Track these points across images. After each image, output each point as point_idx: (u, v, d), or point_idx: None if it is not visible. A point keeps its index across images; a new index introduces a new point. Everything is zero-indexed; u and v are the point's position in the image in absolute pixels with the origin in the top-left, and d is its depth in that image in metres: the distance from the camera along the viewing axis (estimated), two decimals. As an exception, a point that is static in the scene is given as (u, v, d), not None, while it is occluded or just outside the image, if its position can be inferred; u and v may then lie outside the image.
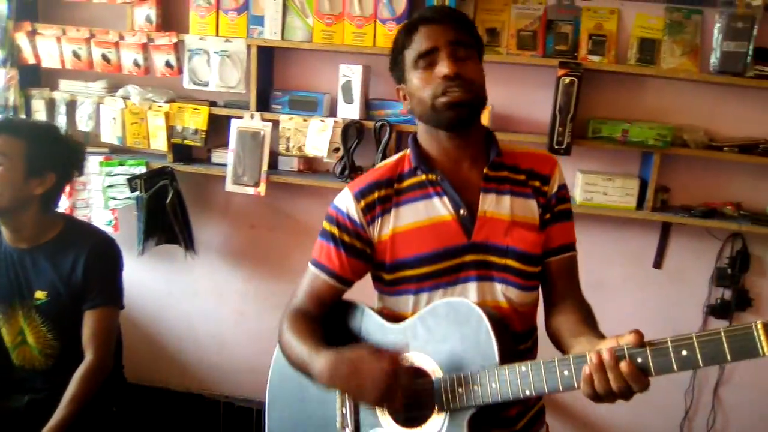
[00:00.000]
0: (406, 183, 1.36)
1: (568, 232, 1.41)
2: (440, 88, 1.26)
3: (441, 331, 1.28)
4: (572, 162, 2.39)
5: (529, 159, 1.39)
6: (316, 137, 2.42)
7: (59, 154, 1.85)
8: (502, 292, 1.32)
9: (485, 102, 1.32)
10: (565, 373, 1.11)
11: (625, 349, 1.04)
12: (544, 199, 1.37)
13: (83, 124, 2.60)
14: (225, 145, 2.60)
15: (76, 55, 2.53)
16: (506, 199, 1.34)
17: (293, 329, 1.36)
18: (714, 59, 2.22)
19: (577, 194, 2.37)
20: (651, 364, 1.02)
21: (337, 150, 2.43)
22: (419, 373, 1.29)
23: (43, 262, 1.85)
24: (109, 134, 2.59)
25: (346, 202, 1.37)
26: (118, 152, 2.67)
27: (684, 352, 0.99)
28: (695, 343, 0.98)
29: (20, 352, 1.91)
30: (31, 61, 2.59)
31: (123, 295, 1.96)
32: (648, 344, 1.03)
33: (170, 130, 2.52)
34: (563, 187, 1.39)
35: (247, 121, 2.48)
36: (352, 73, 2.37)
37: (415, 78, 1.29)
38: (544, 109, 2.38)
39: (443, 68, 1.25)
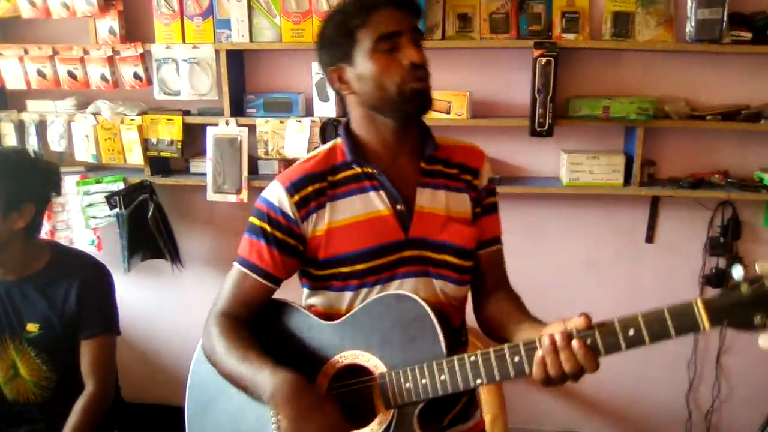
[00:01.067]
0: (341, 176, 1.30)
1: (496, 225, 1.42)
2: (408, 75, 1.20)
3: (382, 326, 1.24)
4: (555, 142, 2.37)
5: (459, 152, 1.37)
6: (295, 138, 2.38)
7: (34, 182, 1.76)
8: (439, 287, 1.31)
9: None
10: (516, 359, 1.11)
11: (575, 332, 1.06)
12: (474, 193, 1.36)
13: (56, 144, 2.54)
14: (202, 153, 2.55)
15: (41, 73, 2.47)
16: (441, 194, 1.32)
17: (228, 339, 1.25)
18: (689, 28, 2.18)
19: (563, 174, 2.34)
20: (600, 344, 1.05)
21: (316, 148, 2.37)
22: (361, 371, 1.24)
23: (33, 294, 1.79)
24: (83, 152, 2.53)
25: (277, 195, 1.28)
26: (93, 170, 2.62)
27: (631, 332, 1.03)
28: (641, 322, 1.03)
29: (14, 386, 1.86)
30: (-5, 83, 2.53)
31: (119, 321, 1.91)
32: (596, 326, 1.06)
33: (145, 143, 2.47)
34: (492, 180, 1.40)
35: (223, 128, 2.43)
36: (325, 70, 2.33)
37: (373, 62, 1.21)
38: (522, 91, 2.35)
39: (412, 55, 1.20)
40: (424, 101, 1.24)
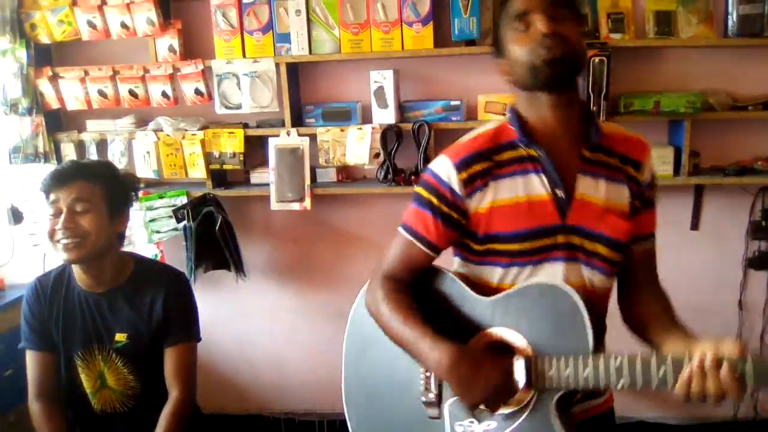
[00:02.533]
0: (506, 156, 1.33)
1: (653, 221, 1.42)
2: (538, 45, 1.23)
3: (534, 311, 1.29)
4: (603, 138, 2.47)
5: (622, 142, 1.37)
6: (356, 145, 2.46)
7: (128, 190, 1.88)
8: (587, 275, 1.33)
9: (583, 63, 1.30)
10: (661, 372, 1.15)
11: (726, 358, 1.07)
12: (636, 186, 1.36)
13: (116, 162, 2.59)
14: (261, 164, 2.62)
15: (102, 93, 2.53)
16: (602, 184, 1.33)
17: (393, 302, 1.37)
18: (731, 23, 2.31)
19: (616, 168, 2.44)
20: (750, 375, 1.06)
21: (377, 155, 2.47)
22: (506, 350, 1.31)
23: (121, 304, 1.85)
24: (144, 169, 2.58)
25: (446, 170, 1.33)
26: (154, 186, 2.67)
27: None
28: None
29: (101, 397, 1.90)
30: (55, 105, 2.57)
31: (200, 327, 1.98)
32: (752, 357, 1.07)
33: (207, 157, 2.53)
34: (653, 175, 1.40)
35: (284, 138, 2.50)
36: (383, 78, 2.42)
37: (511, 43, 1.28)
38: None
39: (539, 26, 1.23)
40: (555, 68, 1.23)
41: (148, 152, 2.56)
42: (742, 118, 2.42)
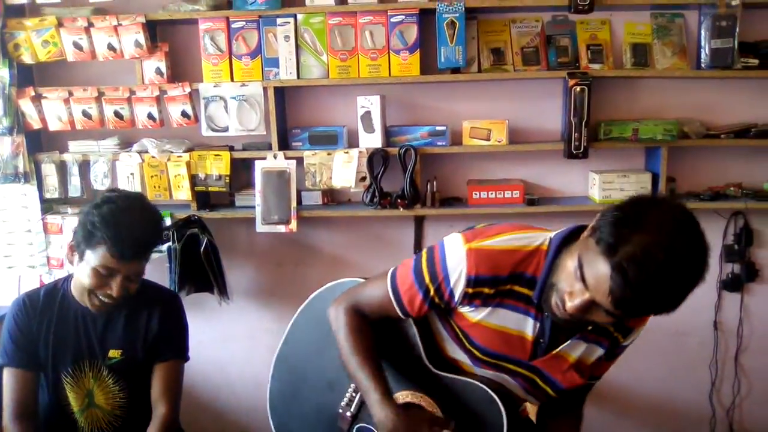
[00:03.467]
0: (518, 289, 1.32)
1: (608, 368, 1.52)
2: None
3: (467, 406, 1.44)
4: (582, 164, 2.55)
5: None
6: (342, 169, 2.48)
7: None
8: (528, 397, 1.50)
9: None
10: None
11: None
12: (614, 347, 1.44)
13: (99, 183, 2.56)
14: (246, 187, 2.62)
15: (86, 114, 2.50)
16: (583, 345, 1.40)
17: (354, 335, 1.47)
18: (704, 56, 2.42)
19: (596, 193, 2.51)
20: None
21: (363, 179, 2.49)
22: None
23: (118, 322, 1.86)
24: (128, 190, 2.56)
25: (458, 275, 1.32)
26: (137, 207, 2.64)
27: None
28: None
29: (88, 416, 1.89)
30: (37, 126, 2.54)
31: (189, 347, 1.98)
32: None
33: (193, 179, 2.52)
34: (634, 339, 1.47)
35: (271, 161, 2.51)
36: (370, 103, 2.45)
37: None
38: (552, 117, 2.54)
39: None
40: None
41: (131, 173, 2.54)
42: (715, 146, 2.52)
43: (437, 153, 2.49)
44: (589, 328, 1.36)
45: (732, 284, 2.68)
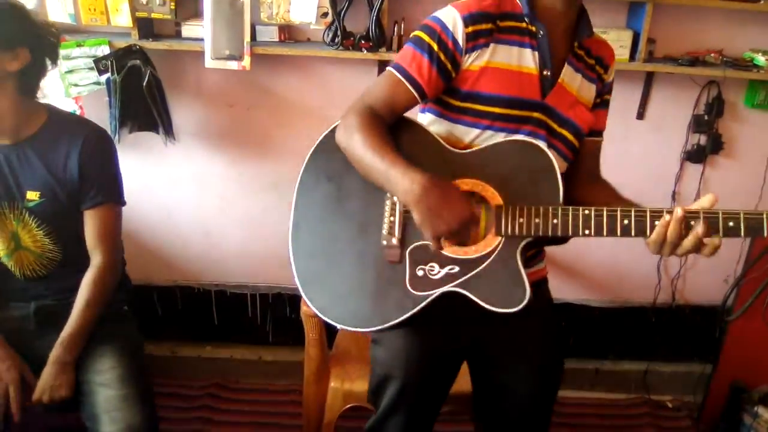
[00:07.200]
0: (508, 24, 1.39)
1: (605, 120, 1.60)
2: None
3: (507, 165, 1.36)
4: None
5: (598, 46, 1.53)
6: (302, 2, 2.25)
7: (30, 30, 1.64)
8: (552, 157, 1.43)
9: None
10: (626, 222, 1.27)
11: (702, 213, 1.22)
12: (601, 85, 1.54)
13: (26, 0, 2.27)
14: (195, 16, 2.38)
15: None
16: (578, 78, 1.48)
17: (371, 132, 1.35)
18: None
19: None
20: (743, 227, 1.20)
21: (325, 15, 2.27)
22: (477, 198, 1.39)
23: (33, 159, 1.68)
24: (59, 11, 2.28)
25: (453, 20, 1.36)
26: (71, 32, 2.37)
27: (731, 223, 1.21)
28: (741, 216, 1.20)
29: (17, 259, 1.76)
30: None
31: (123, 190, 1.83)
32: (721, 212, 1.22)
33: (133, 3, 2.25)
34: (612, 79, 1.58)
35: (223, -12, 2.25)
36: (336, -74, 2.18)
37: None
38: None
39: None
40: None
41: (63, -8, 2.25)
42: (701, 6, 2.36)
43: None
44: (575, 46, 1.45)
45: (696, 155, 2.63)
